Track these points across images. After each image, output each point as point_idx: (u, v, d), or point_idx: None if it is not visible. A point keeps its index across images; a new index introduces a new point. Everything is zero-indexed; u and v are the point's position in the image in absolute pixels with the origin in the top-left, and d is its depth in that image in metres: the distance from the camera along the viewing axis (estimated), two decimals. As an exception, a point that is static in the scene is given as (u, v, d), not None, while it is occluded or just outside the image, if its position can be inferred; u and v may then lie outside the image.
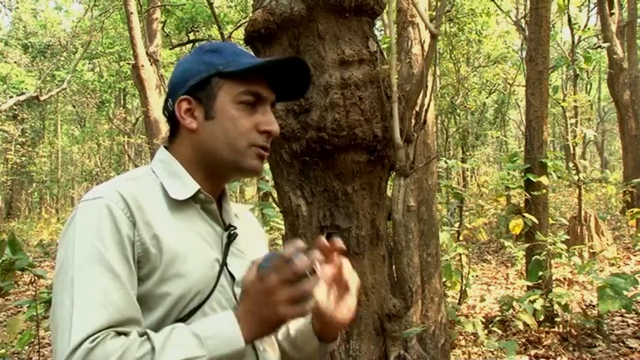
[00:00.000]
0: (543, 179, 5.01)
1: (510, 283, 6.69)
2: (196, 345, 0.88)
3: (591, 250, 6.97)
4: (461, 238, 6.68)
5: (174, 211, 1.02)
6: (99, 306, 0.87)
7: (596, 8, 12.28)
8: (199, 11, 13.72)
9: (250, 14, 1.99)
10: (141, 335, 0.89)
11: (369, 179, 1.80)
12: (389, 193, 1.94)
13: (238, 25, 11.56)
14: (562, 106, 6.81)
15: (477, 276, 6.98)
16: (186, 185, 1.05)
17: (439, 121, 12.92)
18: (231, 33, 9.93)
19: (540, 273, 4.69)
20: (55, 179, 22.82)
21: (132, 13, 9.56)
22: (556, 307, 4.61)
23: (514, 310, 4.67)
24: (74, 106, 21.57)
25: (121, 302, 0.88)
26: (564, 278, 5.91)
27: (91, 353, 0.83)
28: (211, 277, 1.02)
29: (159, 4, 11.72)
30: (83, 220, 0.95)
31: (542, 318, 4.44)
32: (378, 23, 11.59)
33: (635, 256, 7.74)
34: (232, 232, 1.10)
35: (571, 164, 6.77)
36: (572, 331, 4.45)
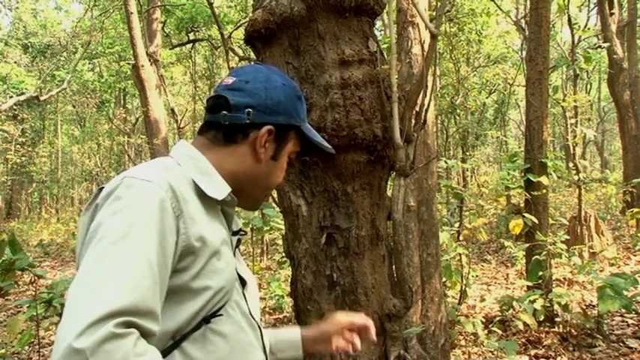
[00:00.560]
0: (543, 179, 5.01)
1: (510, 283, 6.69)
2: None
3: (591, 250, 6.97)
4: (461, 238, 6.68)
5: (206, 207, 1.02)
6: (128, 287, 0.82)
7: (596, 8, 12.28)
8: (199, 11, 13.72)
9: (250, 14, 1.99)
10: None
11: (369, 179, 1.80)
12: (389, 193, 1.94)
13: (238, 25, 11.55)
14: (562, 106, 6.81)
15: (477, 276, 6.98)
16: (217, 185, 1.05)
17: (439, 121, 12.92)
18: (231, 33, 9.92)
19: (540, 273, 4.69)
20: (55, 179, 22.83)
21: (132, 13, 9.56)
22: (556, 307, 4.61)
23: (514, 310, 4.66)
24: (74, 106, 21.56)
25: (149, 292, 0.85)
26: (564, 278, 5.91)
27: (113, 341, 0.77)
28: (235, 278, 1.05)
29: (159, 4, 11.72)
30: (128, 197, 0.91)
31: (542, 318, 4.44)
32: (378, 23, 11.60)
33: (635, 256, 7.74)
34: (239, 237, 1.15)
35: (571, 164, 6.76)
36: (572, 331, 4.45)
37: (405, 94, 1.92)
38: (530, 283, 4.84)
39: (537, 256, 4.72)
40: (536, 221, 4.89)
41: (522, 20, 11.01)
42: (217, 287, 0.98)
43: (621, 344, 4.25)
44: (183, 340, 0.96)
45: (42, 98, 14.05)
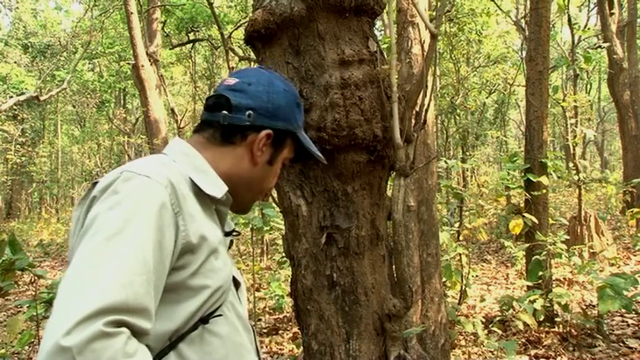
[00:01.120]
0: (543, 179, 5.01)
1: (510, 283, 6.69)
2: None
3: (591, 250, 6.97)
4: (461, 238, 6.68)
5: (202, 206, 1.01)
6: (120, 284, 0.80)
7: (596, 8, 12.28)
8: (199, 11, 13.72)
9: (250, 14, 1.99)
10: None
11: (369, 179, 1.80)
12: (389, 193, 1.94)
13: (238, 25, 11.55)
14: (562, 106, 6.81)
15: (477, 276, 6.99)
16: (215, 184, 1.04)
17: (439, 121, 12.92)
18: (231, 33, 9.92)
19: (540, 273, 4.69)
20: (55, 179, 22.82)
21: (132, 13, 9.56)
22: (556, 307, 4.61)
23: (514, 310, 4.66)
24: (74, 106, 21.56)
25: (141, 289, 0.83)
26: (564, 278, 5.91)
27: (102, 340, 0.75)
28: (230, 278, 1.04)
29: (159, 4, 11.72)
30: (126, 192, 0.89)
31: (542, 318, 4.44)
32: (378, 23, 11.60)
33: (635, 256, 7.74)
34: (232, 238, 1.15)
35: (571, 164, 6.76)
36: (572, 331, 4.45)
37: (405, 94, 1.92)
38: (530, 283, 4.84)
39: (537, 256, 4.72)
40: (536, 221, 4.89)
41: (522, 20, 11.01)
42: (215, 286, 0.97)
43: (621, 344, 4.25)
44: (179, 341, 0.94)
45: (42, 98, 14.05)
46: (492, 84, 15.18)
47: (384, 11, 1.93)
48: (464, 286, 5.04)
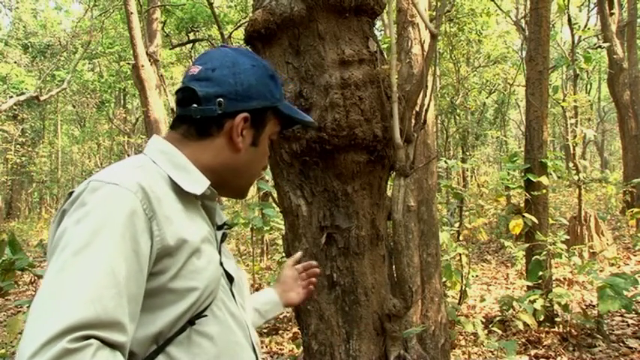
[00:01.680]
0: (543, 179, 5.01)
1: (510, 283, 6.69)
2: None
3: (591, 250, 6.97)
4: (461, 238, 6.68)
5: (183, 204, 0.98)
6: (87, 299, 0.78)
7: (596, 8, 12.28)
8: (199, 11, 13.72)
9: (250, 14, 1.99)
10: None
11: (369, 179, 1.80)
12: (389, 193, 1.94)
13: (238, 25, 11.56)
14: (562, 106, 6.81)
15: (477, 276, 6.98)
16: (195, 180, 1.00)
17: (439, 121, 12.92)
18: (231, 33, 9.92)
19: (540, 273, 4.69)
20: (55, 179, 22.82)
21: (132, 13, 9.56)
22: (556, 307, 4.61)
23: (514, 310, 4.67)
24: (74, 106, 21.57)
25: (111, 302, 0.80)
26: (564, 278, 5.91)
27: (67, 357, 0.73)
28: (219, 276, 1.00)
29: (159, 4, 11.71)
30: (93, 203, 0.86)
31: (542, 318, 4.44)
32: (378, 23, 11.60)
33: (635, 256, 7.74)
34: (224, 231, 1.10)
35: (571, 164, 6.76)
36: (572, 331, 4.45)
37: (405, 94, 1.92)
38: (530, 283, 4.84)
39: (537, 256, 4.72)
40: (536, 221, 4.89)
41: (522, 20, 11.01)
42: (201, 287, 0.93)
43: (621, 344, 4.25)
44: (167, 344, 0.92)
45: (42, 98, 14.05)
46: (492, 84, 15.18)
47: (384, 11, 1.93)
48: (464, 286, 5.04)
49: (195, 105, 1.02)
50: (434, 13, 4.02)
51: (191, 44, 16.12)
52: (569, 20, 6.56)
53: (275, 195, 2.06)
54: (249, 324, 1.08)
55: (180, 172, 1.00)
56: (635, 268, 6.87)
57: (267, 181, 4.91)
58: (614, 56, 10.56)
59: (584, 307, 5.14)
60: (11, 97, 15.48)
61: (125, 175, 0.91)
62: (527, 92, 5.33)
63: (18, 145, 20.37)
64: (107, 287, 0.80)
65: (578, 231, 7.20)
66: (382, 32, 12.36)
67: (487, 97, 15.61)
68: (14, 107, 16.79)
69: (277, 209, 3.99)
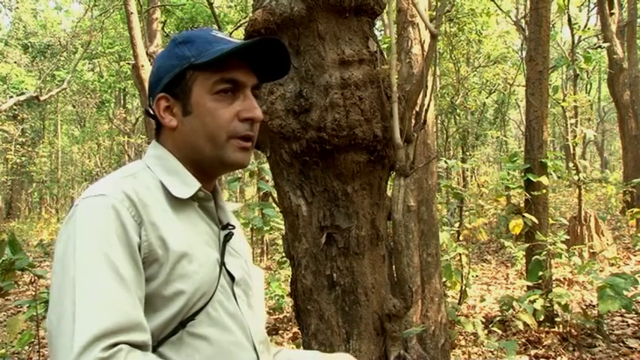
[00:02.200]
0: (543, 179, 5.01)
1: (510, 283, 6.69)
2: None
3: (591, 250, 6.97)
4: (461, 238, 6.68)
5: (175, 209, 0.99)
6: (103, 308, 0.82)
7: (596, 8, 12.28)
8: (199, 11, 13.72)
9: (250, 14, 1.99)
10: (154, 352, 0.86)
11: (369, 179, 1.80)
12: (389, 193, 1.94)
13: (238, 25, 11.56)
14: (562, 106, 6.81)
15: (477, 276, 6.98)
16: (186, 183, 1.01)
17: (439, 121, 12.92)
18: (231, 33, 9.93)
19: (540, 273, 4.69)
20: (55, 179, 22.83)
21: (132, 13, 9.55)
22: (556, 307, 4.61)
23: (514, 310, 4.67)
24: (74, 106, 21.57)
25: (127, 306, 0.84)
26: (564, 278, 5.91)
27: None
28: (214, 278, 1.00)
29: (159, 4, 11.71)
30: (86, 218, 0.89)
31: (542, 318, 4.44)
32: (378, 23, 11.60)
33: (635, 256, 7.74)
34: (229, 231, 1.09)
35: (571, 164, 6.77)
36: (572, 331, 4.45)
37: (405, 94, 1.92)
38: (530, 283, 4.84)
39: (537, 256, 4.72)
40: (536, 221, 4.89)
41: (522, 20, 11.02)
42: (191, 291, 0.94)
43: (621, 344, 4.25)
44: (159, 345, 0.93)
45: (42, 98, 14.05)
46: (492, 84, 15.17)
47: (384, 11, 1.93)
48: (464, 286, 5.05)
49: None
50: (434, 13, 4.02)
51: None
52: (569, 20, 6.57)
53: (275, 195, 2.06)
54: (251, 324, 1.06)
55: (171, 177, 1.01)
56: (635, 268, 6.87)
57: (267, 181, 4.91)
58: (614, 56, 10.56)
59: (584, 307, 5.14)
60: (11, 97, 15.48)
61: (112, 185, 0.94)
62: (527, 92, 5.33)
63: (18, 145, 20.37)
64: (119, 291, 0.84)
65: (578, 231, 7.20)
66: (382, 32, 12.36)
67: (487, 97, 15.60)
68: (14, 107, 16.80)
69: (277, 209, 3.99)
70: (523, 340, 4.47)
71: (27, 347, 4.72)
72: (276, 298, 5.58)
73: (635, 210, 7.49)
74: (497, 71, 14.28)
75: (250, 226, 4.89)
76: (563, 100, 6.67)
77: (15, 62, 19.60)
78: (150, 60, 10.57)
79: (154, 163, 1.03)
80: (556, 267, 5.98)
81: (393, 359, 1.76)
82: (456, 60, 12.65)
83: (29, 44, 20.38)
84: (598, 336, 4.37)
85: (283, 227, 1.96)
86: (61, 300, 0.84)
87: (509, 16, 11.99)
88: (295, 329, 5.05)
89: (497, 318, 4.65)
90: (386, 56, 1.95)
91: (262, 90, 1.84)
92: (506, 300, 4.77)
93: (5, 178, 21.73)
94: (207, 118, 1.01)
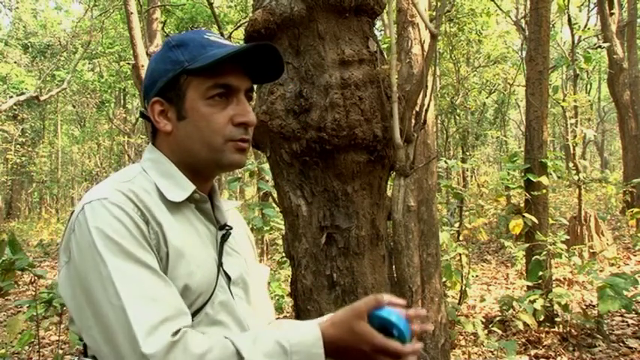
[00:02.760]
0: (543, 179, 5.01)
1: (510, 283, 6.69)
2: (282, 356, 0.88)
3: (591, 250, 6.97)
4: (461, 238, 6.68)
5: (172, 211, 1.00)
6: (150, 300, 0.86)
7: (596, 8, 12.28)
8: (199, 11, 13.72)
9: (250, 14, 1.99)
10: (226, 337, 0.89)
11: (369, 179, 1.80)
12: (389, 193, 1.94)
13: (238, 25, 11.55)
14: (562, 106, 6.81)
15: (477, 276, 6.98)
16: (181, 186, 1.02)
17: (439, 121, 12.92)
18: (231, 33, 9.92)
19: (540, 273, 4.69)
20: (55, 179, 22.82)
21: (132, 13, 9.55)
22: (556, 307, 4.61)
23: (514, 310, 4.66)
24: (74, 106, 21.56)
25: (165, 295, 0.88)
26: (564, 278, 5.91)
27: (175, 347, 0.83)
28: (212, 278, 1.01)
29: (159, 4, 11.71)
30: (96, 220, 0.90)
31: (542, 318, 4.44)
32: (378, 23, 11.59)
33: (635, 256, 7.74)
34: (226, 231, 1.09)
35: (571, 164, 6.76)
36: (572, 331, 4.45)
37: (405, 94, 1.92)
38: (530, 283, 4.84)
39: (537, 256, 4.72)
40: (536, 221, 4.89)
41: (522, 20, 11.01)
42: (190, 291, 0.96)
43: (621, 344, 4.25)
44: None
45: (42, 98, 14.05)
46: (492, 84, 15.17)
47: (384, 11, 1.93)
48: (464, 286, 5.04)
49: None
50: (434, 13, 4.02)
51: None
52: (569, 20, 6.56)
53: (275, 195, 2.06)
54: (250, 322, 1.07)
55: (166, 180, 1.02)
56: (635, 268, 6.86)
57: (267, 181, 4.91)
58: (614, 56, 10.55)
59: (584, 307, 5.14)
60: (11, 97, 15.48)
61: (111, 190, 0.96)
62: (527, 92, 5.32)
63: (18, 145, 20.36)
64: (157, 283, 0.89)
65: (578, 231, 7.20)
66: (382, 32, 12.36)
67: (487, 97, 15.60)
68: (14, 107, 16.79)
69: (277, 209, 3.99)
70: (523, 340, 4.47)
71: (27, 347, 4.72)
72: (276, 298, 5.58)
73: (635, 210, 7.49)
74: (497, 71, 14.28)
75: (250, 226, 4.89)
76: (563, 100, 6.66)
77: (15, 62, 19.59)
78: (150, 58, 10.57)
79: (149, 167, 1.05)
80: (556, 267, 5.98)
81: (393, 359, 1.76)
82: (456, 60, 12.65)
83: (29, 44, 20.37)
84: (598, 336, 4.37)
85: (283, 227, 1.96)
86: (104, 300, 0.86)
87: (509, 16, 11.98)
88: (295, 329, 5.04)
89: (497, 318, 4.65)
90: (386, 56, 1.95)
91: (262, 90, 1.84)
92: (506, 300, 4.77)
93: (5, 178, 21.72)
94: (202, 123, 1.02)
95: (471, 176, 16.24)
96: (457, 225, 6.92)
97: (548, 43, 5.36)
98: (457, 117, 13.77)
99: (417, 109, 1.96)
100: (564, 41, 12.40)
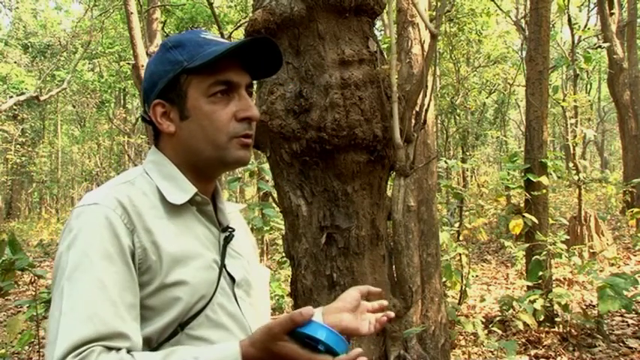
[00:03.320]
0: (543, 179, 5.01)
1: (510, 283, 6.69)
2: None
3: (591, 250, 6.97)
4: (461, 238, 6.68)
5: (172, 214, 1.00)
6: (84, 318, 0.84)
7: (596, 8, 12.28)
8: (199, 11, 13.72)
9: (250, 14, 1.99)
10: (128, 352, 0.86)
11: (369, 179, 1.80)
12: (389, 193, 1.94)
13: (238, 25, 11.55)
14: (562, 106, 6.81)
15: (477, 276, 6.98)
16: (182, 188, 1.02)
17: (439, 121, 12.91)
18: (231, 33, 9.92)
19: (540, 273, 4.69)
20: (55, 179, 22.82)
21: (132, 13, 9.55)
22: (556, 307, 4.61)
23: (514, 310, 4.66)
24: (74, 106, 21.57)
25: (107, 315, 0.86)
26: (564, 278, 5.91)
27: None
28: (212, 280, 1.01)
29: (159, 4, 11.71)
30: (78, 227, 0.92)
31: (542, 318, 4.44)
32: (378, 23, 11.59)
33: (635, 256, 7.74)
34: (229, 233, 1.09)
35: (571, 164, 6.76)
36: (572, 331, 4.45)
37: (405, 94, 1.92)
38: (530, 283, 4.84)
39: (537, 256, 4.72)
40: (536, 221, 4.89)
41: (522, 20, 11.00)
42: (188, 295, 0.95)
43: (621, 344, 4.25)
44: (159, 347, 0.94)
45: (42, 98, 14.05)
46: (492, 84, 15.17)
47: (384, 11, 1.93)
48: (464, 286, 5.04)
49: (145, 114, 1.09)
50: (434, 13, 4.02)
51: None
52: (569, 20, 6.56)
53: (275, 195, 2.06)
54: (253, 323, 1.07)
55: (168, 182, 1.02)
56: (635, 268, 6.86)
57: (267, 181, 4.91)
58: (614, 56, 10.55)
59: (584, 307, 5.14)
60: (11, 97, 15.48)
61: (105, 193, 0.96)
62: (527, 92, 5.33)
63: (18, 145, 20.35)
64: (101, 302, 0.86)
65: (578, 231, 7.20)
66: (382, 32, 12.36)
67: (487, 97, 15.59)
68: (14, 107, 16.79)
69: (277, 209, 3.99)
70: (523, 340, 4.47)
71: (27, 347, 4.72)
72: (276, 298, 5.58)
73: (635, 210, 7.49)
74: (497, 71, 14.27)
75: (250, 226, 4.89)
76: (563, 100, 6.66)
77: (15, 62, 19.59)
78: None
79: (151, 169, 1.05)
80: (556, 267, 5.98)
81: (393, 359, 1.76)
82: (456, 60, 12.64)
83: (29, 44, 20.37)
84: (598, 336, 4.37)
85: (283, 227, 1.96)
86: (53, 311, 0.88)
87: (509, 16, 11.98)
88: (295, 329, 5.03)
89: (497, 318, 4.65)
90: (386, 56, 1.95)
91: (262, 90, 1.84)
92: (506, 300, 4.77)
93: (5, 178, 21.72)
94: (205, 121, 1.02)
95: (471, 176, 16.23)
96: (457, 225, 6.92)
97: (548, 43, 5.36)
98: (457, 117, 13.77)
99: (417, 109, 1.96)
100: (564, 41, 12.39)
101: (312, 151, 1.73)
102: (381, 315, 1.07)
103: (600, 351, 4.12)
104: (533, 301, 4.37)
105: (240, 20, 13.23)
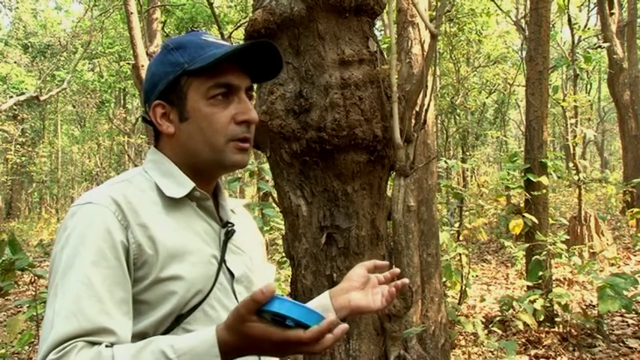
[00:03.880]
0: (543, 179, 5.01)
1: (510, 283, 6.69)
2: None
3: (591, 250, 6.97)
4: (461, 238, 6.68)
5: (171, 210, 1.01)
6: (69, 314, 0.86)
7: (596, 8, 12.28)
8: (199, 11, 13.72)
9: (250, 14, 1.99)
10: (108, 347, 0.86)
11: (369, 179, 1.80)
12: (389, 193, 1.94)
13: (238, 25, 11.55)
14: (562, 106, 6.81)
15: (477, 276, 6.98)
16: (181, 183, 1.03)
17: (439, 121, 12.91)
18: (231, 33, 9.92)
19: (540, 273, 4.69)
20: (55, 179, 22.82)
21: (132, 13, 9.55)
22: (556, 307, 4.61)
23: (514, 310, 4.66)
24: (74, 106, 21.57)
25: (92, 311, 0.87)
26: (564, 278, 5.91)
27: None
28: (210, 275, 1.01)
29: (159, 4, 11.71)
30: (72, 226, 0.94)
31: (542, 318, 4.44)
32: (378, 23, 11.59)
33: (635, 256, 7.74)
34: (230, 229, 1.09)
35: (571, 164, 6.77)
36: (572, 331, 4.45)
37: (405, 94, 1.92)
38: (530, 283, 4.84)
39: (537, 256, 4.72)
40: (536, 221, 4.89)
41: (522, 20, 11.00)
42: (183, 289, 0.96)
43: (621, 344, 4.25)
44: None
45: (42, 98, 14.05)
46: (492, 84, 15.17)
47: (384, 11, 1.93)
48: (464, 286, 5.04)
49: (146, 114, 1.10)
50: (434, 13, 4.02)
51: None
52: (569, 20, 6.56)
53: (275, 195, 2.06)
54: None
55: (166, 179, 1.04)
56: (635, 268, 6.86)
57: (267, 181, 4.91)
58: (614, 56, 10.55)
59: (584, 307, 5.14)
60: (11, 97, 15.48)
61: (100, 192, 0.98)
62: (527, 92, 5.33)
63: (18, 145, 20.35)
64: (86, 298, 0.88)
65: (578, 231, 7.20)
66: (382, 32, 12.36)
67: (487, 97, 15.60)
68: (14, 107, 16.79)
69: (277, 209, 3.99)
70: (523, 340, 4.47)
71: (27, 347, 4.72)
72: (276, 298, 5.57)
73: (635, 210, 7.49)
74: (497, 71, 14.28)
75: (250, 226, 4.88)
76: (563, 100, 6.66)
77: (15, 62, 19.59)
78: (150, 60, 10.57)
79: (150, 168, 1.06)
80: (556, 267, 5.98)
81: (393, 359, 1.76)
82: (456, 60, 12.64)
83: (29, 44, 20.37)
84: (598, 336, 4.37)
85: (283, 227, 1.96)
86: (47, 309, 0.90)
87: (509, 16, 11.97)
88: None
89: (497, 318, 4.65)
90: (386, 56, 1.95)
91: (262, 90, 1.84)
92: (506, 300, 4.77)
93: (5, 178, 21.72)
94: (204, 123, 1.02)
95: (471, 176, 16.23)
96: (457, 225, 6.92)
97: (548, 43, 5.36)
98: (457, 117, 13.77)
99: (417, 109, 1.96)
100: (564, 41, 12.39)
101: (312, 151, 1.73)
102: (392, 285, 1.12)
103: (600, 351, 4.12)
104: (533, 301, 4.37)
105: (240, 20, 13.23)
